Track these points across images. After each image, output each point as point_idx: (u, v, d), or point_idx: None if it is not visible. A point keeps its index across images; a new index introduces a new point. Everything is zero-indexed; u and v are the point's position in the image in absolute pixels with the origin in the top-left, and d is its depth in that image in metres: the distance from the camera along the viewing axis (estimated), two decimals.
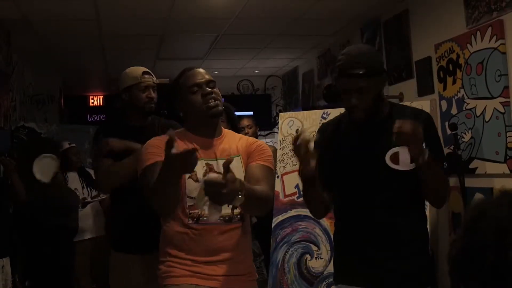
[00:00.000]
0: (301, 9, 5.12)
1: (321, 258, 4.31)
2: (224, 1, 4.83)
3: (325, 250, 4.31)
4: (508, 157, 3.65)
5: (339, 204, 2.40)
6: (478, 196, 3.90)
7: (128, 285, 2.88)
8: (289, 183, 4.47)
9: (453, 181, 4.16)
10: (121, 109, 3.08)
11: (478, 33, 3.88)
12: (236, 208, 2.17)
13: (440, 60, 4.34)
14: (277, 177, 4.53)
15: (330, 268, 4.26)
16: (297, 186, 4.43)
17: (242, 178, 2.11)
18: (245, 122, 4.31)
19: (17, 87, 6.14)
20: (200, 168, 2.14)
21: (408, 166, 2.18)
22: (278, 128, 4.98)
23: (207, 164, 2.18)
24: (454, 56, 4.16)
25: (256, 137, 3.61)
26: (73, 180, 4.96)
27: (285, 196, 4.45)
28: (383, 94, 2.33)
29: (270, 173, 2.31)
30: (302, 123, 4.54)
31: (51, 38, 5.77)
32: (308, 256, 4.34)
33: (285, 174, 4.50)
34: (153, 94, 2.98)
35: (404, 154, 2.18)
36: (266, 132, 8.44)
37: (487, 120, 3.82)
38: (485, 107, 3.83)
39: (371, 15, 5.39)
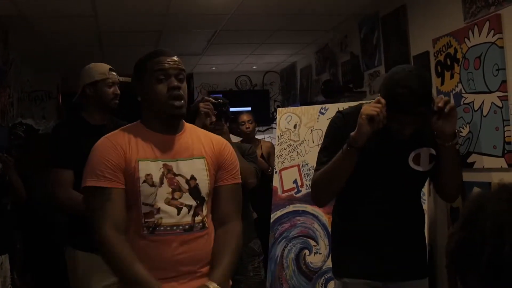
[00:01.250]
0: (299, 5, 5.11)
1: (319, 253, 4.32)
2: None
3: (323, 245, 4.31)
4: (506, 151, 3.65)
5: (348, 197, 2.40)
6: (476, 190, 3.90)
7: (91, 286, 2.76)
8: (287, 178, 4.47)
9: None
10: (81, 106, 3.06)
11: (476, 27, 3.88)
12: (197, 216, 1.92)
13: (438, 54, 4.34)
14: (275, 172, 4.54)
15: (329, 263, 4.26)
16: (295, 181, 4.44)
17: (206, 182, 1.95)
18: (245, 117, 4.10)
19: (14, 84, 6.13)
20: (156, 170, 1.90)
21: (427, 167, 2.30)
22: (276, 123, 4.98)
23: (164, 166, 1.92)
24: (451, 50, 4.16)
25: (255, 133, 3.54)
26: None
27: (284, 191, 4.45)
28: None
29: (239, 189, 2.11)
30: (300, 118, 4.55)
31: (48, 35, 5.76)
32: (306, 251, 4.35)
33: (283, 169, 4.50)
34: (118, 91, 3.02)
35: (424, 155, 2.30)
36: (264, 128, 8.43)
37: (484, 114, 3.82)
38: (483, 102, 3.83)
39: (369, 10, 5.39)
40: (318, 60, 7.09)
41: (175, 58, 1.99)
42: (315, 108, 4.57)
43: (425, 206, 3.92)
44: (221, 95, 8.31)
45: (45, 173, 4.50)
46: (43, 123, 6.25)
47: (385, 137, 2.28)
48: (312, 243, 4.35)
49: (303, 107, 4.87)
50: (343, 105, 4.45)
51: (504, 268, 0.98)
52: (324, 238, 4.32)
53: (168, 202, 1.88)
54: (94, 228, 1.83)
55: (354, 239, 2.37)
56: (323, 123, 4.45)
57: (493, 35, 3.70)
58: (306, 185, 4.45)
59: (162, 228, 1.87)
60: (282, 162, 4.52)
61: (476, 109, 3.91)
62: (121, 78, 3.10)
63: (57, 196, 2.89)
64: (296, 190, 4.43)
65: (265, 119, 8.43)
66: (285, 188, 4.45)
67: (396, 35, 5.04)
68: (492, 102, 3.74)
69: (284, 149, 4.48)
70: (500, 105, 3.67)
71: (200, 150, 1.99)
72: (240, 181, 2.10)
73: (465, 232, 1.06)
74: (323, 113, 4.44)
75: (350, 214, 2.41)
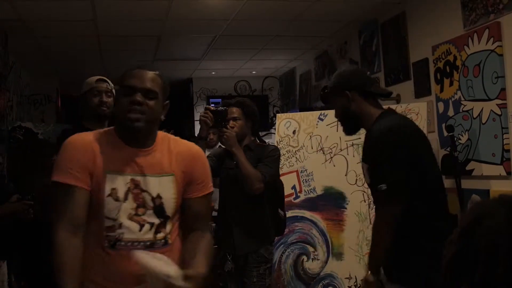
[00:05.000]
0: (299, 11, 5.12)
1: (317, 259, 4.31)
2: (221, 2, 4.83)
3: (321, 251, 4.31)
4: (504, 159, 3.65)
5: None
6: (475, 198, 3.90)
7: None
8: (286, 184, 4.45)
9: (449, 182, 4.16)
10: (81, 116, 3.32)
11: (475, 35, 3.88)
12: (159, 233, 1.89)
13: (437, 62, 4.34)
14: None
15: (327, 269, 4.27)
16: (293, 187, 4.43)
17: (172, 201, 1.91)
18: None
19: (14, 88, 6.13)
20: (122, 185, 1.86)
21: (368, 180, 2.48)
22: (275, 129, 4.98)
23: (132, 180, 1.87)
24: (451, 58, 4.17)
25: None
26: None
27: None
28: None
29: (208, 198, 2.06)
30: (299, 124, 4.54)
31: (48, 39, 5.76)
32: (304, 257, 4.35)
33: (282, 175, 4.49)
34: (105, 99, 3.19)
35: (365, 170, 2.45)
36: (263, 133, 8.43)
37: (483, 122, 3.83)
38: (482, 109, 3.83)
39: (369, 17, 5.39)
40: (318, 66, 7.09)
41: (150, 75, 1.92)
42: (314, 114, 4.56)
43: None
44: (220, 99, 8.34)
45: (39, 176, 4.51)
46: (42, 127, 6.23)
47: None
48: (310, 249, 4.34)
49: (302, 113, 4.87)
50: None
51: (497, 287, 0.98)
52: (322, 244, 4.31)
53: (130, 218, 1.86)
54: (52, 222, 1.84)
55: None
56: (322, 129, 4.45)
57: (493, 43, 3.71)
58: (305, 191, 4.44)
59: (123, 243, 1.84)
60: (281, 168, 4.51)
61: (475, 116, 3.91)
62: (116, 87, 3.22)
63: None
64: (294, 196, 4.42)
65: (264, 124, 8.43)
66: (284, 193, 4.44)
67: (396, 42, 5.05)
68: (491, 110, 3.74)
69: (283, 154, 4.47)
70: (499, 113, 3.67)
71: (169, 166, 1.93)
72: (210, 190, 2.05)
73: (461, 244, 1.06)
74: (322, 119, 4.44)
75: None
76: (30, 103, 7.37)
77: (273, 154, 3.37)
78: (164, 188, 1.90)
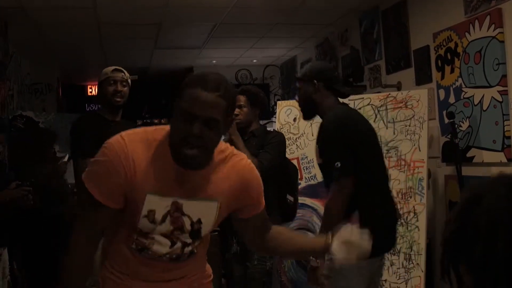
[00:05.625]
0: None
1: None
2: None
3: None
4: (505, 146, 3.65)
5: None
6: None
7: None
8: None
9: (450, 169, 4.17)
10: (98, 104, 3.54)
11: (477, 21, 3.87)
12: (188, 246, 1.80)
13: (438, 49, 4.33)
14: None
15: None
16: None
17: (210, 226, 1.79)
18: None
19: (14, 77, 6.13)
20: (162, 207, 1.72)
21: (319, 161, 2.82)
22: (276, 117, 4.98)
23: (173, 204, 1.73)
24: (452, 45, 4.15)
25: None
26: None
27: None
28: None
29: (264, 212, 1.91)
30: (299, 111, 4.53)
31: (48, 28, 5.76)
32: None
33: None
34: (120, 88, 3.34)
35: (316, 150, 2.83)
36: (265, 121, 8.42)
37: (484, 109, 3.82)
38: (483, 96, 3.83)
39: (370, 4, 5.37)
40: (319, 54, 7.08)
41: (213, 99, 1.62)
42: None
43: (423, 200, 3.93)
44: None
45: (40, 165, 4.52)
46: (43, 116, 6.23)
47: None
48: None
49: None
50: (343, 99, 4.44)
51: (496, 265, 0.98)
52: None
53: (164, 235, 1.77)
54: (73, 224, 1.78)
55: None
56: None
57: (494, 30, 3.70)
58: (306, 178, 4.44)
59: (150, 252, 1.77)
60: None
61: (476, 103, 3.90)
62: (131, 77, 3.45)
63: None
64: None
65: (266, 113, 8.41)
66: None
67: (397, 29, 5.03)
68: (492, 97, 3.73)
69: None
70: (500, 100, 3.67)
71: (216, 192, 1.75)
72: (263, 205, 1.89)
73: (460, 223, 1.06)
74: None
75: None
76: (31, 92, 7.37)
77: (274, 141, 3.42)
78: (206, 213, 1.77)
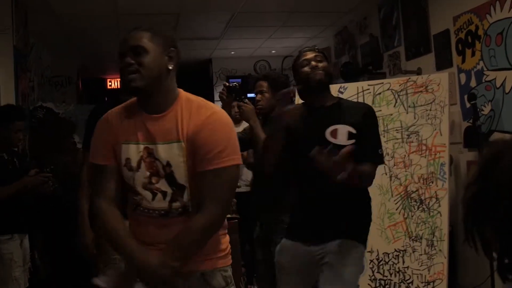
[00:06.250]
0: None
1: None
2: None
3: None
4: None
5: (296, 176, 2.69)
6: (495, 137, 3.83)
7: None
8: None
9: (472, 155, 4.11)
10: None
11: (498, 2, 3.80)
12: (175, 202, 1.87)
13: (459, 32, 4.27)
14: None
15: None
16: None
17: (182, 169, 1.83)
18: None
19: (35, 69, 6.18)
20: (135, 154, 1.87)
21: (345, 141, 2.47)
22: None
23: (145, 149, 1.86)
24: (473, 27, 4.09)
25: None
26: None
27: None
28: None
29: (221, 176, 1.84)
30: None
31: (68, 18, 5.79)
32: None
33: None
34: None
35: (342, 131, 2.51)
36: None
37: (507, 91, 3.76)
38: (505, 78, 3.76)
39: None
40: (337, 43, 7.03)
41: (135, 33, 1.88)
42: (333, 87, 4.50)
43: (446, 185, 3.87)
44: (239, 79, 8.32)
45: (59, 154, 4.56)
46: (63, 107, 6.29)
47: (304, 117, 2.61)
48: None
49: None
50: (362, 85, 4.41)
51: None
52: None
53: (144, 187, 1.89)
54: (91, 199, 1.98)
55: (302, 209, 2.68)
56: None
57: None
58: None
59: (141, 208, 1.92)
60: None
61: (498, 86, 3.84)
62: None
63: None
64: None
65: None
66: None
67: (416, 14, 4.97)
68: None
69: None
70: None
71: (180, 132, 1.84)
72: (220, 165, 1.83)
73: (482, 184, 1.04)
74: (342, 92, 4.39)
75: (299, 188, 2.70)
76: (51, 84, 7.44)
77: None
78: (172, 155, 1.84)
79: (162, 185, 1.87)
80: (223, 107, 3.19)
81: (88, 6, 5.38)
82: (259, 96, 3.36)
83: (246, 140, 3.21)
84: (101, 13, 5.67)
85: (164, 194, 1.87)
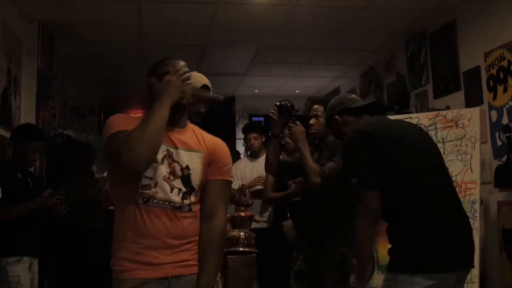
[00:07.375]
0: (344, 21, 5.01)
1: None
2: (267, 8, 4.75)
3: None
4: None
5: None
6: None
7: None
8: None
9: (504, 195, 3.93)
10: None
11: None
12: (186, 199, 2.13)
13: (490, 68, 4.14)
14: None
15: (372, 284, 4.03)
16: None
17: (198, 174, 2.16)
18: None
19: (57, 96, 6.17)
20: (160, 152, 2.11)
21: None
22: None
23: (167, 150, 2.14)
24: (505, 63, 3.97)
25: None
26: None
27: None
28: None
29: (228, 187, 2.30)
30: None
31: (93, 45, 5.81)
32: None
33: None
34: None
35: None
36: None
37: None
38: None
39: (416, 27, 5.25)
40: (363, 83, 6.94)
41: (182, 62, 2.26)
42: None
43: (476, 224, 3.68)
44: (262, 118, 8.24)
45: (75, 177, 4.46)
46: (83, 136, 6.24)
47: None
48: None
49: None
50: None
51: None
52: None
53: (165, 179, 2.09)
54: (116, 151, 1.97)
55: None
56: None
57: None
58: None
59: (155, 200, 2.07)
60: None
61: None
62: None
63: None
64: None
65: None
66: None
67: (445, 51, 4.87)
68: None
69: None
70: None
71: (197, 145, 2.20)
72: (231, 178, 2.27)
73: None
74: None
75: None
76: (73, 114, 7.43)
77: (337, 152, 3.19)
78: (192, 161, 2.15)
79: (177, 183, 2.12)
80: (272, 127, 3.25)
81: (113, 34, 5.39)
82: (313, 120, 3.26)
83: (295, 166, 3.19)
84: (126, 41, 5.68)
85: (179, 190, 2.12)
